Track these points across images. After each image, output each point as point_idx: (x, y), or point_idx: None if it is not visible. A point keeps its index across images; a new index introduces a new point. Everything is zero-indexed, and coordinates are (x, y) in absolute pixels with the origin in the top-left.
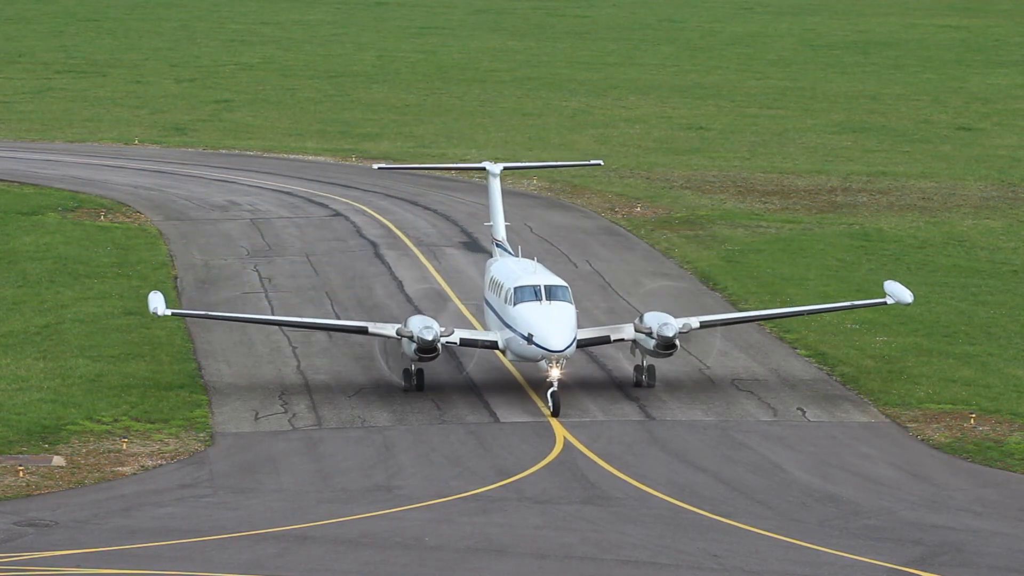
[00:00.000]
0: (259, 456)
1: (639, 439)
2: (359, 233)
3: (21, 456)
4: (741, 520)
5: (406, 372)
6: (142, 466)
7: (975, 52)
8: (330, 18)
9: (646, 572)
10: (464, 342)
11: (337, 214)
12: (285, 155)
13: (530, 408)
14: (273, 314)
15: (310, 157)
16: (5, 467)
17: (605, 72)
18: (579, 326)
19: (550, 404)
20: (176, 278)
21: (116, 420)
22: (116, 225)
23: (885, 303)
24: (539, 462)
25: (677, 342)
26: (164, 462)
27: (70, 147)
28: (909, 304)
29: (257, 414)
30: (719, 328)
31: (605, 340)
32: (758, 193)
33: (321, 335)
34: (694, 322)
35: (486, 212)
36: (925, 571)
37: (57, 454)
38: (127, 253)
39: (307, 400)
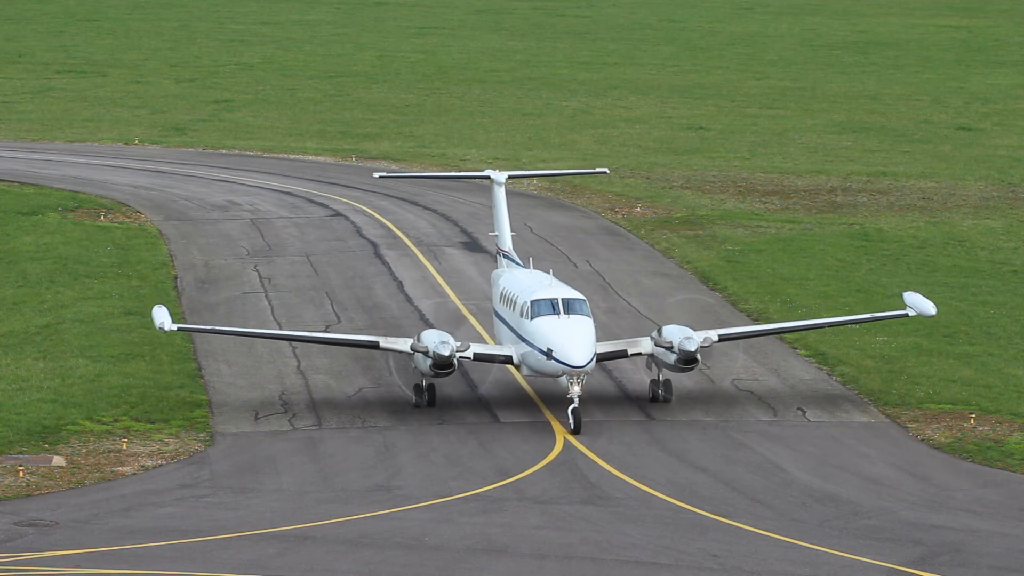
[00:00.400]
0: (259, 456)
1: (639, 439)
2: (359, 233)
3: (21, 456)
4: (741, 520)
5: (417, 388)
6: (142, 466)
7: (975, 52)
8: (330, 18)
9: (646, 572)
10: (478, 357)
11: (337, 214)
12: (285, 155)
13: (530, 408)
14: (273, 314)
15: (310, 157)
16: (5, 467)
17: (605, 72)
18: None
19: (571, 422)
20: (176, 278)
21: (116, 420)
22: (116, 225)
23: (907, 315)
24: (539, 462)
25: (699, 356)
26: (164, 462)
27: (70, 147)
28: (932, 316)
29: (257, 414)
30: (741, 342)
31: (622, 355)
32: (758, 193)
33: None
34: (713, 335)
35: (486, 212)
36: (925, 571)
37: (57, 454)
38: (127, 253)
39: (307, 400)
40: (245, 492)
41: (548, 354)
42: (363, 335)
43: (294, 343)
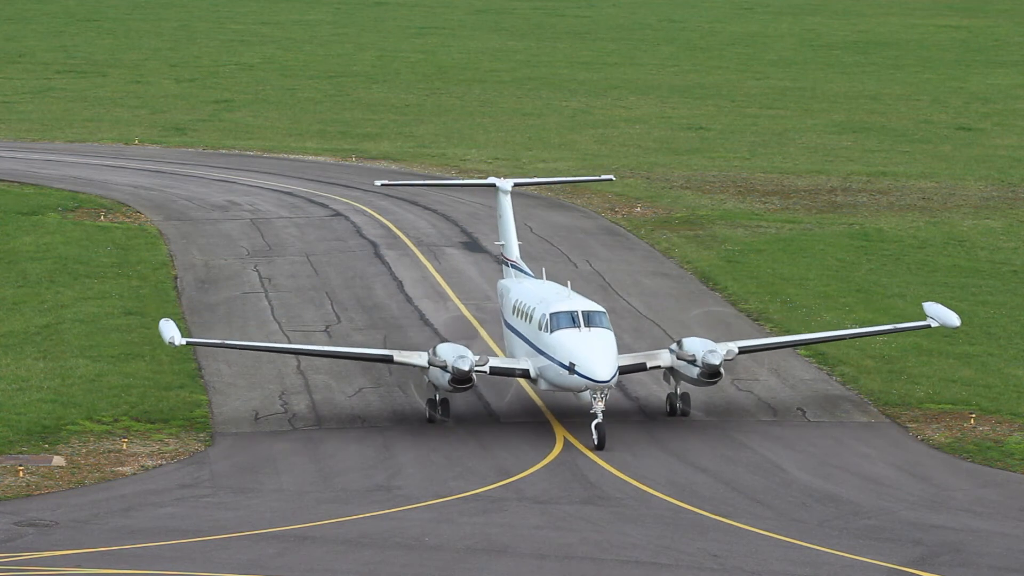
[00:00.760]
0: (259, 456)
1: (639, 439)
2: (359, 233)
3: (21, 456)
4: (741, 520)
5: (431, 402)
6: (142, 466)
7: (975, 52)
8: (330, 18)
9: (646, 572)
10: (494, 371)
11: (337, 214)
12: (285, 155)
13: (530, 408)
14: (273, 314)
15: (310, 157)
16: (5, 467)
17: (605, 72)
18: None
19: (595, 438)
20: (176, 278)
21: (116, 420)
22: (116, 225)
23: (929, 326)
24: (539, 462)
25: (722, 370)
26: (164, 462)
27: (70, 147)
28: (956, 327)
29: (257, 414)
30: (761, 354)
31: (641, 368)
32: (758, 193)
33: (321, 335)
34: (734, 347)
35: (486, 212)
36: (925, 571)
37: (57, 454)
38: (127, 253)
39: (307, 400)
40: (245, 492)
41: (571, 368)
42: (376, 349)
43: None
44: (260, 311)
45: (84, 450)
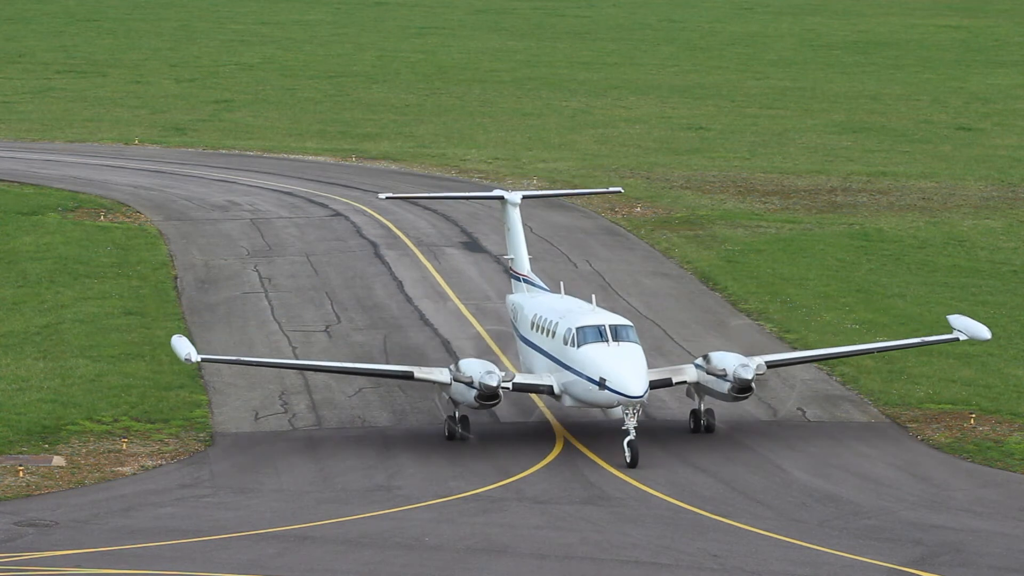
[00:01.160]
0: (259, 456)
1: (639, 439)
2: (359, 233)
3: (21, 456)
4: (741, 520)
5: (451, 419)
6: (142, 466)
7: (975, 52)
8: (330, 18)
9: (646, 572)
10: (518, 387)
11: (337, 214)
12: (285, 155)
13: (530, 408)
14: (273, 314)
15: (310, 157)
16: (5, 467)
17: (605, 72)
18: None
19: (628, 455)
20: (176, 278)
21: (116, 420)
22: (116, 225)
23: (957, 339)
24: (539, 462)
25: (754, 385)
26: (164, 462)
27: (70, 147)
28: (987, 340)
29: (257, 414)
30: (787, 368)
31: (667, 383)
32: (758, 193)
33: (321, 335)
34: (762, 362)
35: (486, 212)
36: (925, 571)
37: (57, 454)
38: (127, 253)
39: (307, 400)
40: (245, 492)
41: (601, 384)
42: (395, 365)
43: (294, 343)
44: (260, 311)
45: (84, 450)
